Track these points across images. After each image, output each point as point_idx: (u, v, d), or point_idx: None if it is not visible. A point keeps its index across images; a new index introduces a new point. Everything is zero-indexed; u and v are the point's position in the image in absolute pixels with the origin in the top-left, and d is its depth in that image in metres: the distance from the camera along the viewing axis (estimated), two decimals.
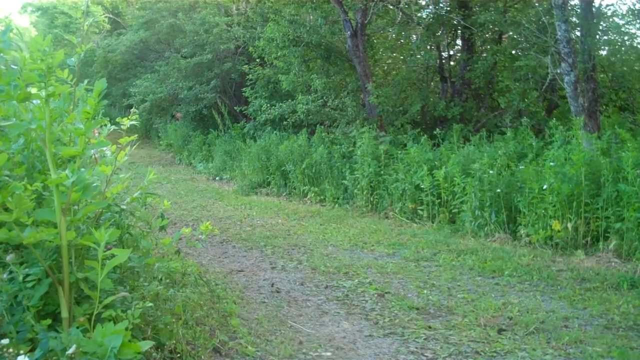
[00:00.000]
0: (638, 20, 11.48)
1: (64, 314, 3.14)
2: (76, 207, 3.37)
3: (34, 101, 3.25)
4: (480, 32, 12.85)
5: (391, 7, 13.50)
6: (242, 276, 6.87)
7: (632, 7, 11.62)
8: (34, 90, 3.20)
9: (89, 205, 3.40)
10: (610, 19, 11.74)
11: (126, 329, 2.89)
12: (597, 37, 10.85)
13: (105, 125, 3.76)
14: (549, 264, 7.07)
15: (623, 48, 11.74)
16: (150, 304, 3.61)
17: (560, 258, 7.31)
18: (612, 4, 12.18)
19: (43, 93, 3.11)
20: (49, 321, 3.11)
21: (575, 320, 5.25)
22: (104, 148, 3.95)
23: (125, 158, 4.07)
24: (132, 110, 4.81)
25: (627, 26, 11.68)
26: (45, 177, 3.27)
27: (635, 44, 11.95)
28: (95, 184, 3.42)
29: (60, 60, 3.14)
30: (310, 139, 13.52)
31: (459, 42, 14.66)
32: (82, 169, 3.26)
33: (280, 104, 15.22)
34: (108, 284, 3.15)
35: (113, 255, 3.11)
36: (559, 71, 9.62)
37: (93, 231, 3.03)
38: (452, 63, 14.86)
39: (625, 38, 11.74)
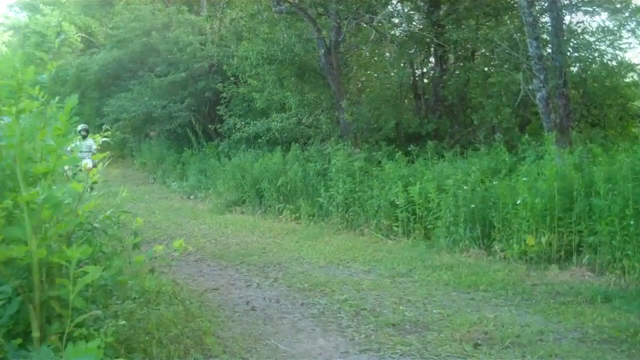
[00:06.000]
0: (608, 38, 11.67)
1: (35, 332, 3.09)
2: (47, 224, 3.33)
3: (5, 118, 3.21)
4: (453, 50, 12.98)
5: (364, 25, 13.59)
6: (217, 294, 6.81)
7: (601, 24, 11.82)
8: (4, 108, 3.16)
9: (60, 223, 3.36)
10: (581, 36, 11.94)
11: (99, 347, 2.83)
12: (568, 53, 11.03)
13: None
14: (523, 278, 7.11)
15: (594, 65, 11.93)
16: (124, 323, 3.57)
17: (535, 272, 7.36)
18: (583, 21, 12.35)
19: (14, 110, 3.08)
20: (19, 340, 3.06)
21: (550, 334, 5.27)
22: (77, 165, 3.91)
23: (98, 175, 4.02)
24: (104, 127, 4.77)
25: (597, 43, 11.89)
26: (16, 195, 3.23)
27: (605, 61, 12.14)
28: (67, 202, 3.38)
29: (31, 77, 3.10)
30: (285, 157, 13.50)
31: (432, 59, 14.80)
32: (54, 187, 3.22)
33: (255, 121, 15.26)
34: (80, 302, 3.11)
35: (85, 273, 3.07)
36: (531, 87, 9.73)
37: (64, 248, 2.99)
38: (425, 80, 14.98)
39: (596, 55, 11.94)
